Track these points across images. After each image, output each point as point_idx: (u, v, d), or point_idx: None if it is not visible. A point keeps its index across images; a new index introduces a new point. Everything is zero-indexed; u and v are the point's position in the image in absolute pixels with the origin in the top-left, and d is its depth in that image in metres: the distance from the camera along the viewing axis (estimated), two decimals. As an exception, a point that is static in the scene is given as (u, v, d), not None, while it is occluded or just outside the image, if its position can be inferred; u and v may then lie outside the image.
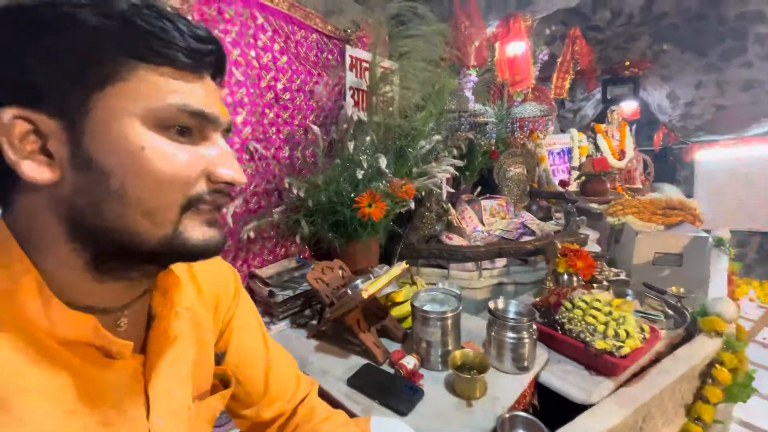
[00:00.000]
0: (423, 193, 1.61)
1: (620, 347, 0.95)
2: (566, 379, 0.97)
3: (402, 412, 0.84)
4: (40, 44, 0.32)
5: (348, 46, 1.58)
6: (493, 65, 2.50)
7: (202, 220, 0.39)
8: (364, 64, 1.61)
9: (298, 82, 1.46)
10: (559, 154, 3.28)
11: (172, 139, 0.36)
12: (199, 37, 0.36)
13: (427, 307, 1.02)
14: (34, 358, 0.34)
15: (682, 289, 1.34)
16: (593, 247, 1.95)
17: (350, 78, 1.56)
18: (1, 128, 0.32)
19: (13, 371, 0.33)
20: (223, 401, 0.56)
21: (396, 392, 0.89)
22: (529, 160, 2.58)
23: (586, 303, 1.06)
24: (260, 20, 1.29)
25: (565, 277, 1.39)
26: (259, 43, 1.30)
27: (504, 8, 2.55)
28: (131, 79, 0.33)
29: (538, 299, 1.27)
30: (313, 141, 1.42)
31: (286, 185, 1.34)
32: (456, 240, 1.76)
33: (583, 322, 1.02)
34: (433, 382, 0.95)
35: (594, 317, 1.02)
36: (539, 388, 1.01)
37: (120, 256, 0.37)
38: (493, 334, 1.00)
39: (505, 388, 0.92)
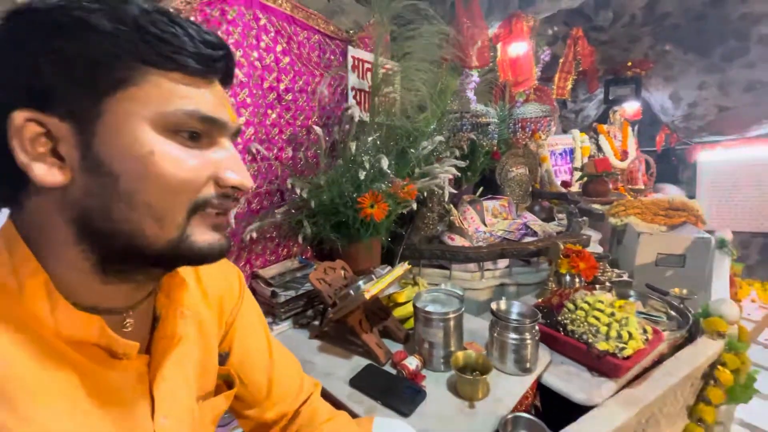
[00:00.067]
0: (425, 194, 1.61)
1: (623, 348, 0.95)
2: (569, 380, 0.97)
3: (404, 413, 0.84)
4: (53, 48, 0.32)
5: (350, 47, 1.58)
6: (495, 66, 2.50)
7: (208, 224, 0.39)
8: (367, 65, 1.61)
9: (301, 83, 1.46)
10: (561, 154, 3.27)
11: (181, 144, 0.36)
12: (210, 42, 0.37)
13: (429, 308, 1.02)
14: (41, 358, 0.34)
15: (684, 291, 1.34)
16: (595, 248, 1.95)
17: (352, 79, 1.56)
18: (13, 131, 0.32)
19: (20, 371, 0.33)
20: (227, 402, 0.57)
21: (398, 393, 0.89)
22: (531, 161, 2.58)
23: (589, 304, 1.06)
24: (263, 21, 1.30)
25: (568, 278, 1.39)
26: (262, 44, 1.30)
27: (506, 9, 2.55)
28: (142, 84, 0.34)
29: (540, 300, 1.27)
30: (316, 142, 1.43)
31: (289, 186, 1.34)
32: (458, 241, 1.76)
33: (585, 324, 1.02)
34: (435, 383, 0.95)
35: (597, 318, 1.02)
36: (542, 390, 1.01)
37: (126, 258, 0.37)
38: (495, 335, 1.00)
39: (508, 390, 0.92)
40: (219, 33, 1.14)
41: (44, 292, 0.35)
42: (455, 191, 1.66)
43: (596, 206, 2.27)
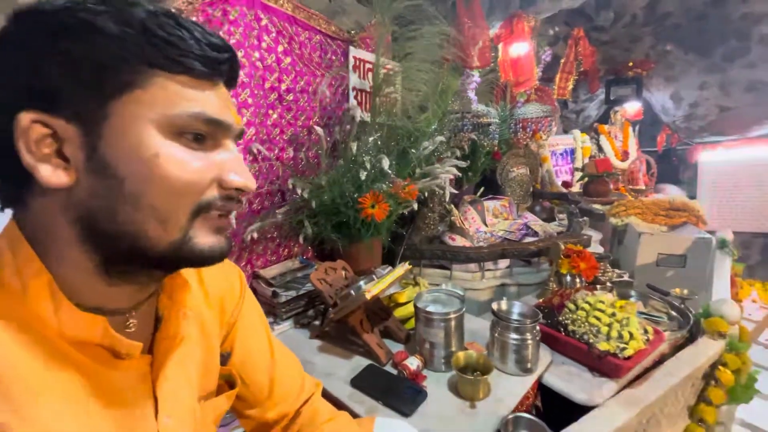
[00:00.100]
0: (426, 194, 1.61)
1: (624, 349, 0.95)
2: (569, 380, 0.97)
3: (405, 413, 0.84)
4: (59, 49, 0.32)
5: (351, 47, 1.58)
6: (496, 66, 2.50)
7: (210, 226, 0.39)
8: (368, 65, 1.61)
9: (302, 83, 1.46)
10: (562, 154, 3.27)
11: (186, 146, 0.36)
12: (215, 45, 0.37)
13: (430, 308, 1.02)
14: (45, 358, 0.34)
15: (685, 291, 1.34)
16: (596, 248, 1.95)
17: (354, 79, 1.56)
18: (19, 132, 0.32)
19: (23, 371, 0.33)
20: (229, 402, 0.57)
21: (399, 393, 0.89)
22: (532, 161, 2.58)
23: (590, 304, 1.06)
24: (264, 21, 1.30)
25: (568, 278, 1.39)
26: (263, 44, 1.30)
27: (507, 9, 2.55)
28: (148, 87, 0.34)
29: (541, 300, 1.27)
30: (317, 142, 1.43)
31: (290, 186, 1.34)
32: (459, 241, 1.76)
33: (586, 324, 1.02)
34: (436, 384, 0.95)
35: (597, 319, 1.02)
36: (542, 390, 1.01)
37: (130, 259, 0.37)
38: (496, 335, 1.00)
39: (509, 390, 0.92)
40: (221, 33, 1.15)
41: (48, 293, 0.35)
42: (456, 191, 1.66)
43: (597, 206, 2.27)
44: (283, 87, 1.39)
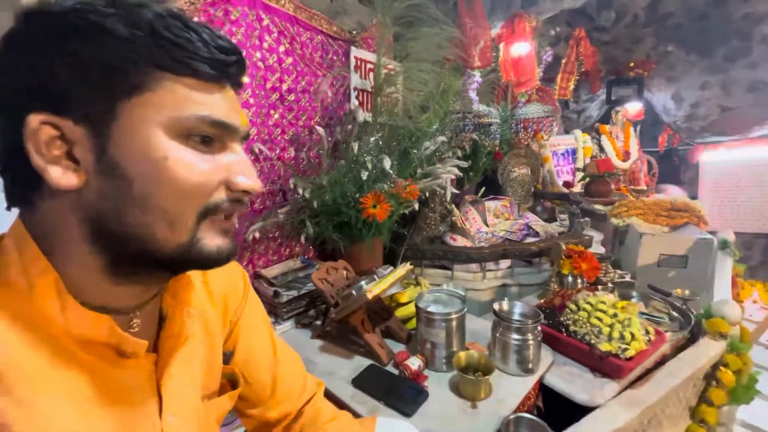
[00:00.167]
0: (427, 194, 1.61)
1: (625, 349, 0.95)
2: (571, 381, 0.97)
3: (406, 413, 0.84)
4: (68, 51, 0.32)
5: (353, 48, 1.58)
6: (497, 66, 2.49)
7: (217, 228, 0.40)
8: (369, 65, 1.61)
9: (303, 83, 1.47)
10: (563, 155, 3.27)
11: (194, 149, 0.36)
12: (223, 48, 0.37)
13: (431, 309, 1.02)
14: (51, 357, 0.34)
15: (687, 292, 1.34)
16: (598, 248, 1.95)
17: (355, 79, 1.56)
18: (28, 133, 0.32)
19: (30, 370, 0.33)
20: (231, 401, 0.57)
21: (400, 393, 0.90)
22: (533, 161, 2.58)
23: (591, 305, 1.06)
24: (266, 22, 1.30)
25: (570, 278, 1.39)
26: (265, 44, 1.31)
27: (509, 9, 2.55)
28: (157, 89, 0.34)
29: (542, 301, 1.27)
30: (318, 142, 1.43)
31: (291, 186, 1.35)
32: (460, 241, 1.76)
33: (588, 324, 1.02)
34: (437, 384, 0.95)
35: (599, 319, 1.02)
36: (544, 390, 1.01)
37: (136, 260, 0.37)
38: (497, 335, 1.00)
39: (510, 390, 0.92)
40: (222, 33, 1.15)
41: (54, 292, 0.35)
42: (457, 191, 1.66)
43: (598, 207, 2.27)
44: (285, 87, 1.40)
